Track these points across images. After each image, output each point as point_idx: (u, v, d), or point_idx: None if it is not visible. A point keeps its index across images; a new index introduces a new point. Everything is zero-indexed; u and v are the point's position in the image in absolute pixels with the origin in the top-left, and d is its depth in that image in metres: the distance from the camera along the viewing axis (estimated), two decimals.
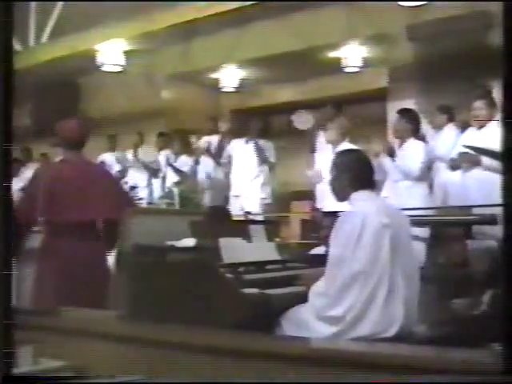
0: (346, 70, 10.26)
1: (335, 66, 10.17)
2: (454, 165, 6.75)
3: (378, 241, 3.37)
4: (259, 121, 9.10)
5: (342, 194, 3.63)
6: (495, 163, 6.27)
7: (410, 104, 8.18)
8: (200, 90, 11.86)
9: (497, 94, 7.34)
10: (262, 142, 8.79)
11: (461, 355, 2.97)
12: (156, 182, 9.90)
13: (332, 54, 10.16)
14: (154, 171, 9.98)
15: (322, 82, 10.85)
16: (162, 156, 10.08)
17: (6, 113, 2.79)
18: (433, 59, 8.50)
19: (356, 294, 3.34)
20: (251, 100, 11.95)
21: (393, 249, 3.39)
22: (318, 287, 3.49)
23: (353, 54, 10.11)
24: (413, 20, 8.56)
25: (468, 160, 6.52)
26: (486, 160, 6.40)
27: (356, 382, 2.92)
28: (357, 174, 3.58)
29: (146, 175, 9.99)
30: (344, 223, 3.47)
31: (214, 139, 9.64)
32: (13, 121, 2.78)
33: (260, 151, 8.68)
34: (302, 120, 8.58)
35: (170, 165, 9.75)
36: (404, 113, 7.11)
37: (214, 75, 11.53)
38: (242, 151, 8.88)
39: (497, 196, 6.20)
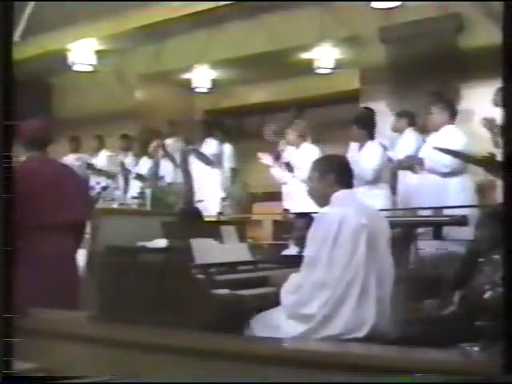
0: (319, 71, 10.30)
1: (308, 68, 10.21)
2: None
3: (355, 241, 3.39)
4: (204, 123, 9.12)
5: (323, 198, 3.63)
6: (438, 166, 6.45)
7: (381, 106, 8.23)
8: (172, 91, 11.82)
9: (463, 96, 7.46)
10: (210, 145, 8.77)
11: (431, 355, 2.99)
12: (127, 183, 9.85)
13: (305, 56, 10.19)
14: (110, 176, 9.93)
15: (295, 83, 10.89)
16: (121, 158, 10.07)
17: (6, 114, 2.78)
18: (405, 61, 8.55)
19: (329, 292, 3.36)
20: (224, 101, 11.94)
21: (369, 249, 3.41)
22: (289, 286, 3.50)
23: (325, 56, 10.15)
24: (385, 22, 8.61)
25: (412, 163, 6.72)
26: (428, 163, 6.55)
27: (328, 382, 2.93)
28: (338, 175, 3.62)
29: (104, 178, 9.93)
30: (321, 222, 3.48)
31: (175, 142, 9.62)
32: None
33: (201, 156, 8.66)
34: (272, 131, 8.66)
35: (126, 169, 9.71)
36: (355, 119, 7.20)
37: (186, 76, 11.51)
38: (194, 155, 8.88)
39: (457, 197, 6.36)
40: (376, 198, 6.55)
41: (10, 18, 2.85)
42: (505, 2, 2.50)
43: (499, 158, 5.97)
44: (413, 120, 7.73)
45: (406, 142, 7.44)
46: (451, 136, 6.57)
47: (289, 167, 7.62)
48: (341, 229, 3.39)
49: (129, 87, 11.33)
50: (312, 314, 3.37)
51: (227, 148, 9.09)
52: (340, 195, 3.59)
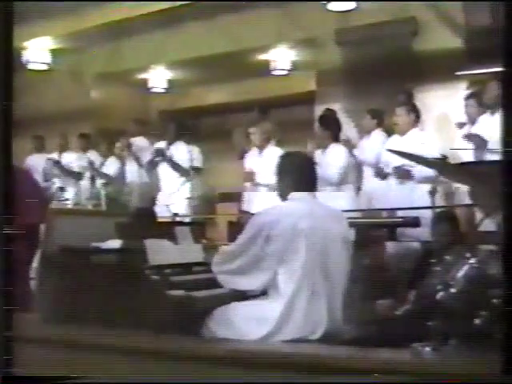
0: (275, 72, 10.33)
1: (265, 69, 10.23)
2: (382, 174, 6.84)
3: (292, 244, 3.41)
4: (174, 124, 9.02)
5: (282, 198, 3.66)
6: (424, 174, 6.41)
7: (336, 108, 8.26)
8: (129, 91, 11.75)
9: (420, 100, 7.52)
10: (180, 148, 8.69)
11: (384, 355, 3.03)
12: (83, 183, 9.74)
13: (261, 57, 10.21)
14: (76, 175, 9.81)
15: (252, 85, 10.89)
16: (87, 157, 9.91)
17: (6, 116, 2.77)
18: (360, 64, 8.61)
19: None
20: (181, 101, 11.90)
21: (315, 252, 3.42)
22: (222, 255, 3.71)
23: (282, 57, 10.19)
24: (341, 25, 8.66)
25: (400, 174, 6.61)
26: (418, 174, 6.51)
27: (283, 383, 2.94)
28: (296, 176, 3.63)
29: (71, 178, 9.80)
30: (256, 219, 3.54)
31: (140, 141, 9.53)
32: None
33: (174, 166, 8.58)
34: (240, 139, 8.57)
35: (95, 169, 9.57)
36: (322, 120, 7.19)
37: (143, 75, 11.45)
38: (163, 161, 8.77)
39: (419, 200, 6.39)
40: (340, 200, 6.56)
41: (10, 18, 2.86)
42: (505, 1, 2.51)
43: (451, 160, 6.05)
44: (382, 120, 7.70)
45: (374, 143, 7.38)
46: (418, 140, 6.58)
47: (251, 176, 7.56)
48: (270, 232, 3.41)
49: (85, 86, 11.23)
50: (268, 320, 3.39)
51: (195, 149, 8.97)
52: (295, 197, 3.60)
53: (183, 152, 8.62)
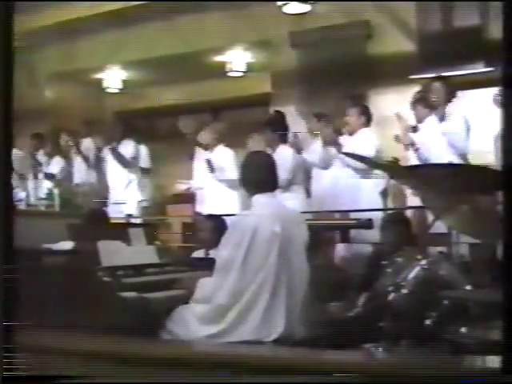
0: (230, 74, 10.34)
1: (220, 70, 10.23)
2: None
3: (268, 248, 3.40)
4: (120, 124, 9.01)
5: (248, 196, 3.66)
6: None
7: (290, 110, 8.29)
8: (83, 90, 11.63)
9: (371, 102, 7.60)
10: (128, 146, 8.65)
11: (337, 356, 3.05)
12: (36, 183, 9.60)
13: (216, 58, 10.21)
14: (20, 175, 9.67)
15: (207, 86, 10.87)
16: (32, 157, 9.79)
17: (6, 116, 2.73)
18: (314, 66, 8.66)
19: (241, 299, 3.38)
20: (135, 102, 11.83)
21: (281, 256, 3.43)
22: (201, 295, 3.51)
23: (237, 59, 10.20)
24: (296, 27, 8.69)
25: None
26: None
27: (236, 383, 2.95)
28: (258, 177, 3.64)
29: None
30: (236, 228, 3.50)
31: (89, 141, 9.44)
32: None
33: (119, 157, 8.53)
34: (187, 125, 8.59)
35: (38, 168, 9.44)
36: (270, 122, 7.22)
37: (97, 75, 11.36)
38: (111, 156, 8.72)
39: (368, 201, 6.44)
40: (290, 201, 6.58)
41: (10, 18, 2.83)
42: (505, 1, 2.53)
43: (402, 162, 6.12)
44: (330, 122, 7.71)
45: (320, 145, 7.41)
46: (366, 139, 6.65)
47: (210, 166, 7.54)
48: (254, 236, 3.39)
49: (39, 86, 11.09)
50: (222, 320, 3.38)
51: (143, 149, 8.95)
52: (259, 199, 3.60)
53: (130, 149, 8.59)
